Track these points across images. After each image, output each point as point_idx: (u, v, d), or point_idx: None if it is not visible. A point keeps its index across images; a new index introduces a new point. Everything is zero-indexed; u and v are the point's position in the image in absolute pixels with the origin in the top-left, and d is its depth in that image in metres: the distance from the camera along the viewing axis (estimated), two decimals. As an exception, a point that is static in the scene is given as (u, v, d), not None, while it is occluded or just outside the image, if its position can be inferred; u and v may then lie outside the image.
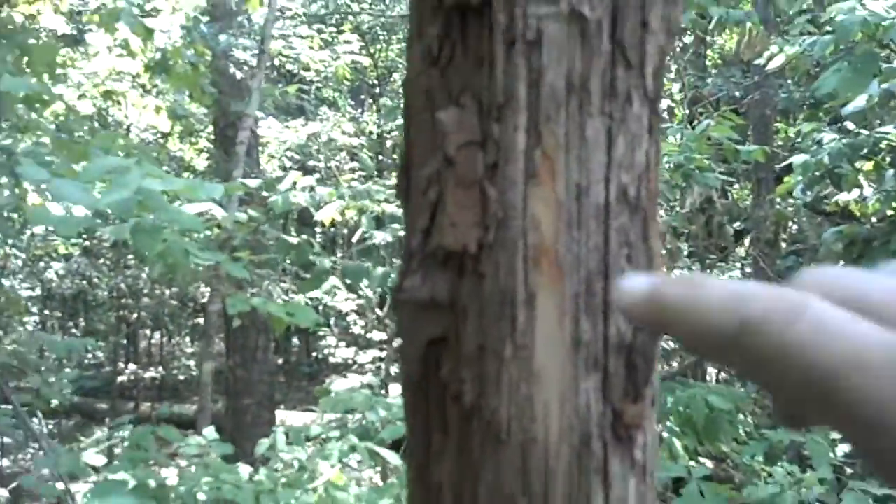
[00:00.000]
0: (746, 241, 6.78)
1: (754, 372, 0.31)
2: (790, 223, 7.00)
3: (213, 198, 2.03)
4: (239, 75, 5.24)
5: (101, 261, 8.39)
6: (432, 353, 0.52)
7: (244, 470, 2.74)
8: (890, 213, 4.13)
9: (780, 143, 9.09)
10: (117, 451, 3.28)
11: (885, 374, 0.27)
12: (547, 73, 0.49)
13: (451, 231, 0.50)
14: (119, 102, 5.20)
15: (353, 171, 7.53)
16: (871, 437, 0.28)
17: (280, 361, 12.03)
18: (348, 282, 4.16)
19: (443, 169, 0.51)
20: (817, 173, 4.13)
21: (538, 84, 0.49)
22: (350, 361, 10.59)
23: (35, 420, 5.87)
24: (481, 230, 0.49)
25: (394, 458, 2.69)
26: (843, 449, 3.21)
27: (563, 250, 0.48)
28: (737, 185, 8.40)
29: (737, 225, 6.76)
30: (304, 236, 3.32)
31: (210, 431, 2.82)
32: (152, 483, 2.36)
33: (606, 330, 0.48)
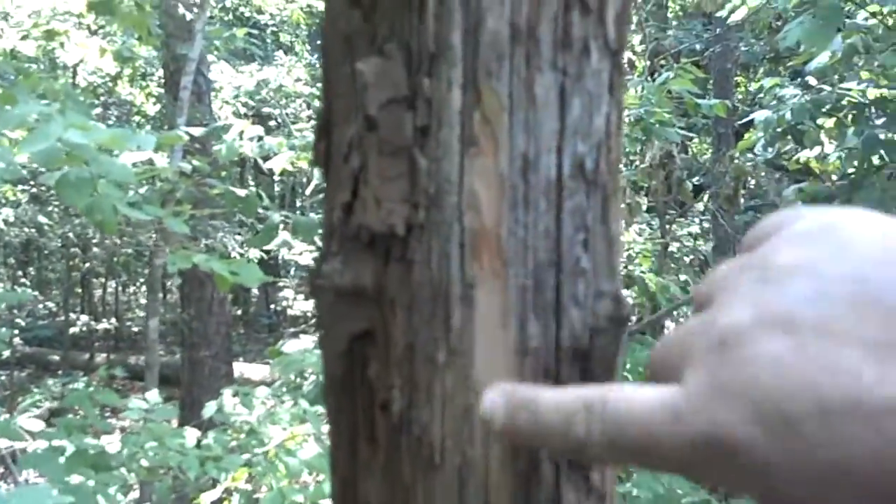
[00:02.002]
0: (706, 197, 6.79)
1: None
2: (749, 179, 7.01)
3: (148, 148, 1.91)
4: (189, 17, 5.02)
5: (51, 208, 8.14)
6: (358, 347, 0.44)
7: (191, 434, 2.66)
8: (851, 171, 4.11)
9: (741, 97, 9.07)
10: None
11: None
12: (487, 17, 0.40)
13: (374, 208, 0.42)
14: (63, 44, 4.95)
15: (309, 119, 7.33)
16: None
17: (239, 312, 11.91)
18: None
19: (364, 132, 0.42)
20: (779, 129, 4.08)
21: (476, 31, 0.40)
22: (309, 314, 10.51)
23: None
24: (410, 208, 0.41)
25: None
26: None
27: (507, 235, 0.40)
28: (696, 140, 8.38)
29: (696, 180, 6.75)
30: (253, 188, 3.19)
31: (154, 395, 2.72)
32: (91, 450, 2.27)
33: (559, 333, 0.40)
